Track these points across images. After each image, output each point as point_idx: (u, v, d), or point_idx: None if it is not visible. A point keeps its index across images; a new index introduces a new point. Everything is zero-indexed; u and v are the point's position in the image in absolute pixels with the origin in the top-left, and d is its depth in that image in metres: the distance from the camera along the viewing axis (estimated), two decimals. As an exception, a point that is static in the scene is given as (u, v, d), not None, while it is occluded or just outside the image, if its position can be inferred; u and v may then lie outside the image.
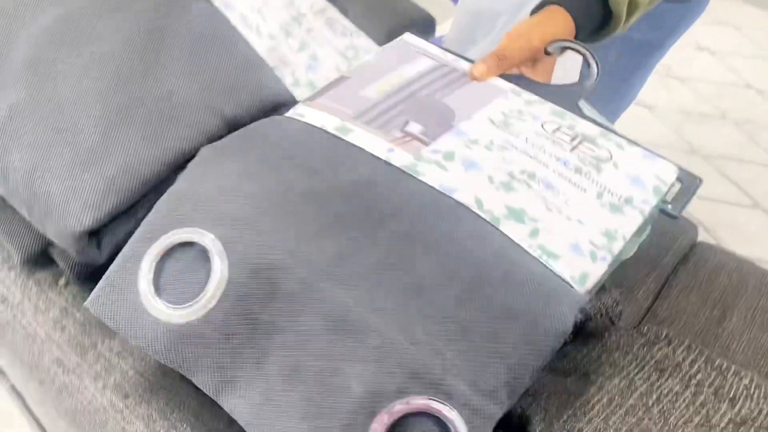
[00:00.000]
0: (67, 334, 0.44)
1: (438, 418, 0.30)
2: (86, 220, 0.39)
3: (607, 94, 0.89)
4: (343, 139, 0.41)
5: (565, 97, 0.48)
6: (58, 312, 0.46)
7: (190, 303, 0.33)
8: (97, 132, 0.42)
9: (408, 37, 0.52)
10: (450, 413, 0.30)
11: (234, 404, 0.33)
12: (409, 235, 0.34)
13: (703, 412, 0.31)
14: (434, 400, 0.30)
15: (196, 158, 0.39)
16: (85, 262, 0.43)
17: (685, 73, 1.91)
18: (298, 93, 0.50)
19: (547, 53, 0.52)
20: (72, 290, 0.47)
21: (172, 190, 0.38)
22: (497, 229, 0.36)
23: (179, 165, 0.42)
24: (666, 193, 0.42)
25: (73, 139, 0.42)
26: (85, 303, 0.37)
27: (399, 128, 0.43)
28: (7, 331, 0.47)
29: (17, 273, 0.48)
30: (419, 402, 0.30)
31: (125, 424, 0.40)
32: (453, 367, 0.31)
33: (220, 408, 0.40)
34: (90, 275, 0.48)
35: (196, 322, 0.33)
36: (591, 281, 0.35)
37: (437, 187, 0.38)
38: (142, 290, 0.34)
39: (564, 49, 0.52)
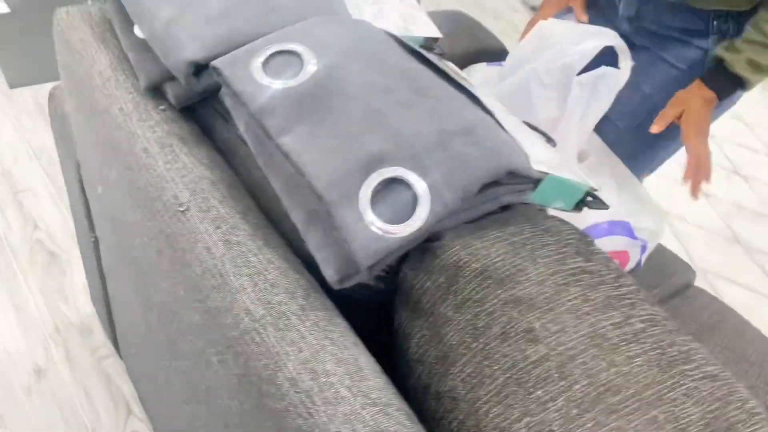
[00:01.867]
0: (155, 136, 0.64)
1: (413, 194, 0.47)
2: (197, 54, 0.59)
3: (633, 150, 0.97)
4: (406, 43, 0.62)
5: None
6: (153, 123, 0.66)
7: (284, 79, 0.54)
8: (219, 7, 0.62)
9: None
10: (420, 185, 0.48)
11: (287, 142, 0.52)
12: (429, 89, 0.55)
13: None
14: (417, 176, 0.48)
15: (308, 20, 0.60)
16: (185, 89, 0.62)
17: (752, 173, 1.94)
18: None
19: None
20: (165, 115, 0.67)
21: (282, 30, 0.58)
22: (489, 112, 0.55)
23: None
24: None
25: (201, 7, 0.62)
26: (213, 62, 0.57)
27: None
28: (118, 131, 0.67)
29: (134, 97, 0.69)
30: (408, 173, 0.48)
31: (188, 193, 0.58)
32: (439, 164, 0.49)
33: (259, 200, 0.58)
34: (181, 110, 0.68)
35: (282, 91, 0.53)
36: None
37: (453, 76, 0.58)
38: (253, 66, 0.55)
39: None
